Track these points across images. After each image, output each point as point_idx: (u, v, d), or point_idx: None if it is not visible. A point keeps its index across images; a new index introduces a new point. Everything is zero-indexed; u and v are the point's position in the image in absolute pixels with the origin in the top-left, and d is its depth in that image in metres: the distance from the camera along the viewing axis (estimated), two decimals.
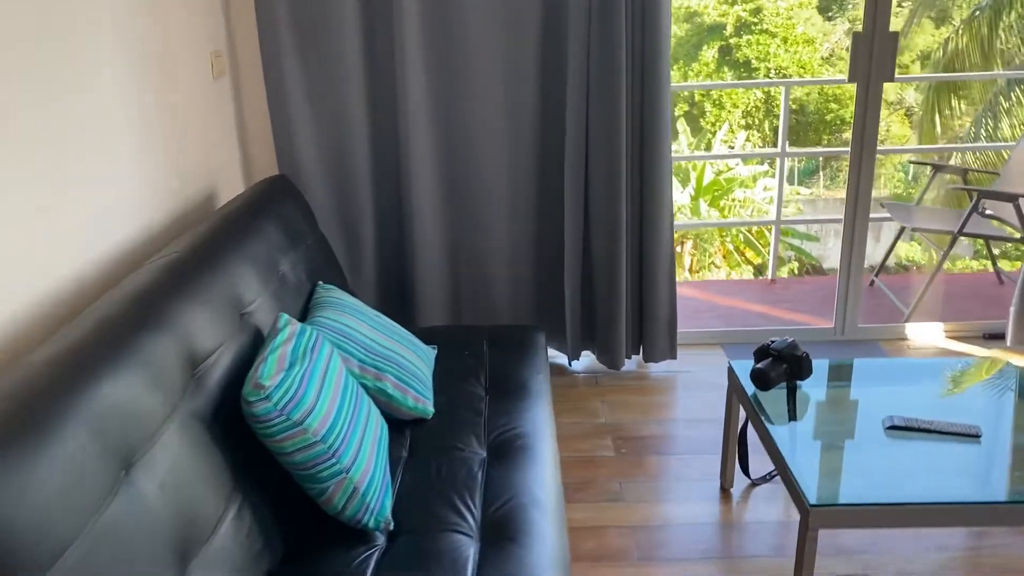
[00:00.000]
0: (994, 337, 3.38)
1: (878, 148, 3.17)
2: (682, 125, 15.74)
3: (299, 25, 2.78)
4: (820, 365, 2.38)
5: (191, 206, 2.45)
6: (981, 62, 7.99)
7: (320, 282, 2.36)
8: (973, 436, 1.99)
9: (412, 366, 2.17)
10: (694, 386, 3.11)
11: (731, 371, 2.37)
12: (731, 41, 19.58)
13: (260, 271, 2.05)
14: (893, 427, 2.04)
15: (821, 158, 19.71)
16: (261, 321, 1.94)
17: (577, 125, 2.89)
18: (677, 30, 21.32)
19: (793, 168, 19.36)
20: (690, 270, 14.00)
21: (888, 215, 3.99)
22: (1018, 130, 8.42)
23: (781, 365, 2.22)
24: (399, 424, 2.10)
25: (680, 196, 13.41)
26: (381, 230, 3.05)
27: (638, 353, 3.24)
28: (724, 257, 13.68)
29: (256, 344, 1.86)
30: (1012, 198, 3.50)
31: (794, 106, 18.18)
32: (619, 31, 2.77)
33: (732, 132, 17.01)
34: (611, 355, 3.16)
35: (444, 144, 2.95)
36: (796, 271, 14.06)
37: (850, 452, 2.01)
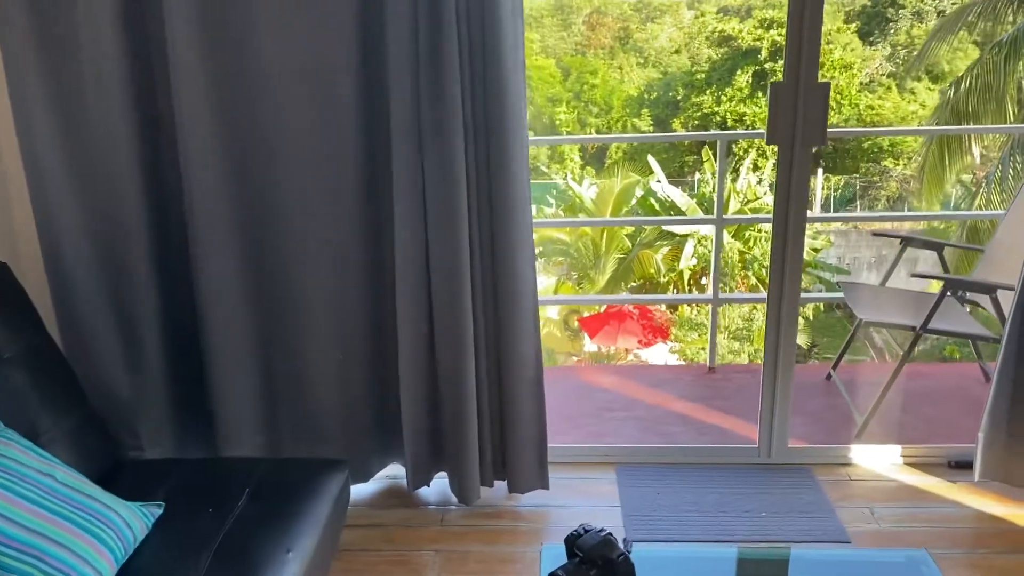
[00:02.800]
0: (961, 466, 2.67)
1: (808, 216, 2.50)
2: (707, 154, 15.12)
3: (52, 80, 2.21)
4: (670, 557, 1.73)
5: None
6: (995, 104, 7.20)
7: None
8: None
9: (72, 558, 1.57)
10: (566, 529, 2.44)
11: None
12: (766, 66, 19.11)
13: None
14: None
15: (858, 184, 18.90)
16: None
17: (410, 198, 2.28)
18: (712, 54, 20.82)
19: (829, 197, 18.66)
20: None
21: (841, 295, 3.24)
22: None
23: (589, 571, 1.57)
24: None
25: (705, 228, 12.81)
26: (168, 325, 2.44)
27: (504, 479, 2.59)
28: (748, 291, 12.96)
29: None
30: (989, 289, 2.75)
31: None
32: (453, 80, 2.16)
33: (765, 158, 16.39)
34: (462, 484, 2.52)
35: (245, 219, 2.35)
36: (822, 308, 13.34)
37: None
